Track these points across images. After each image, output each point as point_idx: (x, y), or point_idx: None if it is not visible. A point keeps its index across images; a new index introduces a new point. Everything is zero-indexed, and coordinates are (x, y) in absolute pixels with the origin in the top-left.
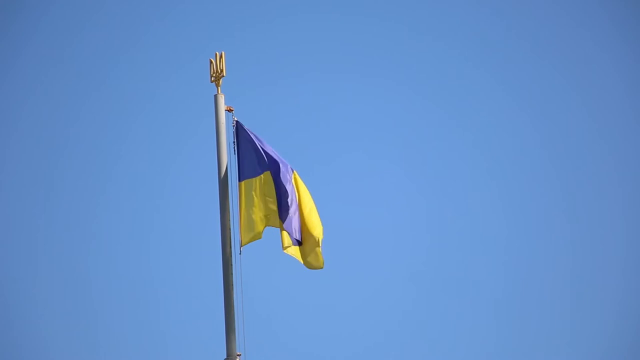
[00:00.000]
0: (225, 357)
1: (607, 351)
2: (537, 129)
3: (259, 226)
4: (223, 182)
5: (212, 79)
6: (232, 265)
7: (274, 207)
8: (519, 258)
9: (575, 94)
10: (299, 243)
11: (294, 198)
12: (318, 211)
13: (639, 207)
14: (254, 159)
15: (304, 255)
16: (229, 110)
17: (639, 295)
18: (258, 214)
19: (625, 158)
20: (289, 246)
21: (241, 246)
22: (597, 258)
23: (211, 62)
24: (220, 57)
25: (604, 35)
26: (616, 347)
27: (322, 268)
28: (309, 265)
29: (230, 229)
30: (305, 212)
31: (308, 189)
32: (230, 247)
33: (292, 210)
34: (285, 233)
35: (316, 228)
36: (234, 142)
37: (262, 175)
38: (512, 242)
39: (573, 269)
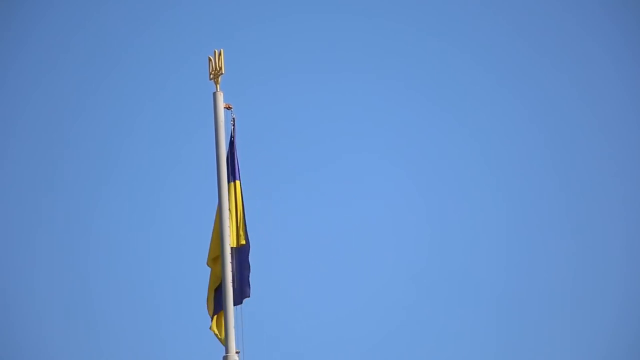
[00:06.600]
0: (224, 354)
1: (607, 351)
2: (538, 128)
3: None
4: (222, 180)
5: (211, 76)
6: (231, 263)
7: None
8: (520, 258)
9: (577, 94)
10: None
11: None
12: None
13: (639, 207)
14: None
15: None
16: (228, 108)
17: None
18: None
19: (626, 158)
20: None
21: (231, 246)
22: (599, 258)
23: (210, 59)
24: (219, 54)
25: (604, 35)
26: (616, 346)
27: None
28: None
29: (229, 227)
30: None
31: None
32: (229, 246)
33: None
34: None
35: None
36: (231, 140)
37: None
38: (513, 242)
39: (575, 268)
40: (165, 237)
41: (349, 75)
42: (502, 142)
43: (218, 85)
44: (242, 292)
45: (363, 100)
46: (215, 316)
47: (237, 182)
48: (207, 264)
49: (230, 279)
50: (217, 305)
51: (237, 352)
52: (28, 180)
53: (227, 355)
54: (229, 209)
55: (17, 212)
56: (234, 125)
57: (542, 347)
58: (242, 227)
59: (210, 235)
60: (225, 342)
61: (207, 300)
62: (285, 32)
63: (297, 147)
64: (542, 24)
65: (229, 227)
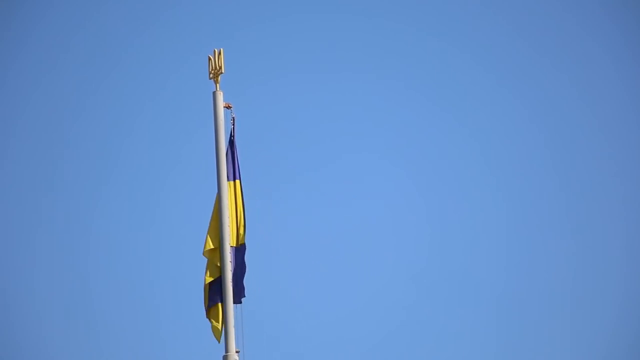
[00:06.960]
0: (224, 353)
1: (607, 351)
2: (538, 128)
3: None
4: (222, 179)
5: (211, 75)
6: (230, 262)
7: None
8: (520, 258)
9: (577, 94)
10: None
11: None
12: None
13: (639, 207)
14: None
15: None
16: (228, 107)
17: None
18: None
19: (626, 158)
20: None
21: (231, 246)
22: (599, 258)
23: (210, 59)
24: (219, 54)
25: (604, 35)
26: (616, 346)
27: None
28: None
29: (229, 227)
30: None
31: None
32: (229, 245)
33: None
34: None
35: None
36: (231, 139)
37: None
38: (513, 242)
39: (575, 268)
40: (165, 237)
41: (349, 75)
42: (502, 142)
43: (218, 85)
44: (241, 291)
45: (363, 100)
46: (209, 310)
47: (237, 181)
48: (203, 254)
49: (231, 279)
50: (211, 300)
51: (237, 352)
52: (28, 180)
53: (227, 355)
54: (229, 208)
55: (17, 212)
56: (233, 124)
57: (542, 347)
58: (242, 226)
59: (208, 226)
60: (225, 341)
61: (204, 293)
62: (285, 32)
63: (297, 147)
64: (542, 24)
65: (229, 226)
